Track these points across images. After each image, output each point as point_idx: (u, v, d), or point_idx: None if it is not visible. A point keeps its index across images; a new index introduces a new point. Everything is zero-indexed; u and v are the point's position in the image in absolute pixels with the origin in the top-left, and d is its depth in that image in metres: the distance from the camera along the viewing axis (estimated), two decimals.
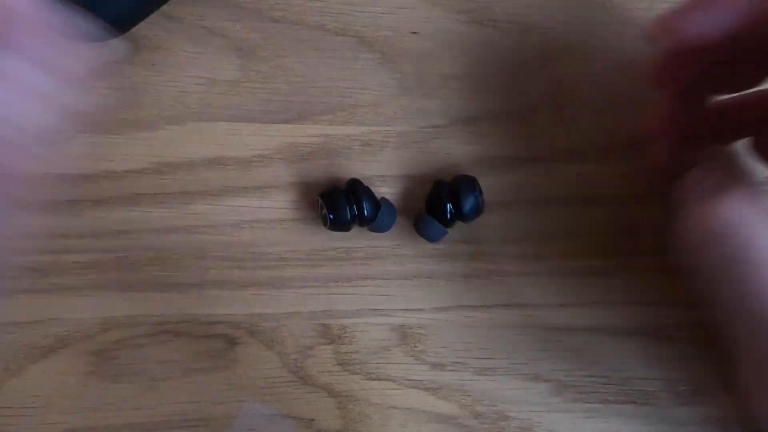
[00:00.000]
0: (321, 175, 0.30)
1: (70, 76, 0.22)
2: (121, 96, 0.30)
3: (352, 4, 0.31)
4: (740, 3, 0.23)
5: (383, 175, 0.30)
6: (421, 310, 0.30)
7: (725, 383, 0.31)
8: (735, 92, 0.27)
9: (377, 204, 0.29)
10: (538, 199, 0.31)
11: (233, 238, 0.30)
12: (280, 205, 0.30)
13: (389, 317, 0.30)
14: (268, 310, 0.30)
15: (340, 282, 0.30)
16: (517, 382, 0.30)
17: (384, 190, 0.30)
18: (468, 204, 0.29)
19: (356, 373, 0.30)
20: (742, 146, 0.28)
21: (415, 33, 0.31)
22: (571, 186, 0.31)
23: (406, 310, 0.30)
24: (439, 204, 0.29)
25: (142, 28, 0.30)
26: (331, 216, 0.28)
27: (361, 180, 0.29)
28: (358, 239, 0.30)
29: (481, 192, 0.29)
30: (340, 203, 0.28)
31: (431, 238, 0.30)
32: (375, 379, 0.30)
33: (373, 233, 0.30)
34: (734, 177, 0.25)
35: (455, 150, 0.31)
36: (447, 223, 0.29)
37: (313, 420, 0.30)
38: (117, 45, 0.30)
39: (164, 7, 0.30)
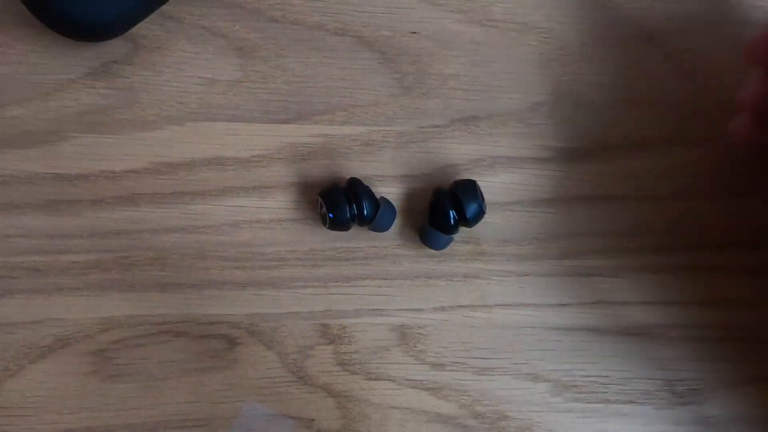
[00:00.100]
0: (320, 175, 0.30)
1: None
2: (121, 96, 0.30)
3: (351, 4, 0.31)
4: None
5: (383, 174, 0.30)
6: (421, 310, 0.30)
7: (725, 383, 0.31)
8: None
9: (377, 203, 0.29)
10: (538, 199, 0.31)
11: (233, 238, 0.30)
12: (279, 204, 0.30)
13: (389, 317, 0.30)
14: (268, 310, 0.30)
15: (339, 282, 0.30)
16: (517, 382, 0.30)
17: (383, 190, 0.30)
18: (471, 210, 0.29)
19: (356, 373, 0.30)
20: None
21: (414, 33, 0.31)
22: (571, 186, 0.31)
23: (406, 310, 0.30)
24: (441, 213, 0.29)
25: (142, 28, 0.30)
26: (331, 215, 0.28)
27: (361, 180, 0.29)
28: (357, 239, 0.30)
29: (482, 195, 0.29)
30: (339, 202, 0.28)
31: (438, 248, 0.30)
32: (375, 379, 0.30)
33: (372, 233, 0.30)
34: None
35: (455, 150, 0.31)
36: (451, 231, 0.29)
37: (313, 420, 0.30)
38: (117, 45, 0.30)
39: (164, 7, 0.30)
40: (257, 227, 0.30)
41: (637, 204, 0.31)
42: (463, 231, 0.30)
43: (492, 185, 0.31)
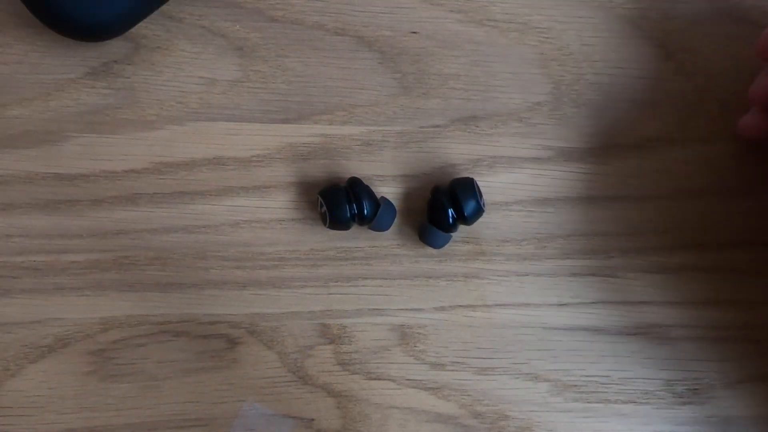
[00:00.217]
0: (320, 174, 0.30)
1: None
2: (121, 96, 0.30)
3: (351, 4, 0.31)
4: None
5: (383, 174, 0.30)
6: (420, 310, 0.30)
7: (725, 383, 0.31)
8: None
9: (377, 203, 0.29)
10: (538, 199, 0.31)
11: (233, 238, 0.30)
12: (279, 204, 0.30)
13: (389, 317, 0.30)
14: (268, 310, 0.30)
15: (340, 282, 0.30)
16: (517, 382, 0.30)
17: (383, 190, 0.30)
18: (469, 208, 0.29)
19: (356, 373, 0.30)
20: None
21: (414, 33, 0.31)
22: (571, 186, 0.31)
23: (406, 310, 0.30)
24: (440, 211, 0.29)
25: (142, 28, 0.30)
26: (331, 214, 0.28)
27: (361, 179, 0.29)
28: (357, 239, 0.30)
29: (480, 193, 0.29)
30: (339, 201, 0.28)
31: (437, 246, 0.30)
32: (375, 379, 0.30)
33: (372, 233, 0.30)
34: None
35: (455, 150, 0.31)
36: (450, 229, 0.29)
37: (313, 420, 0.30)
38: (117, 45, 0.30)
39: (164, 7, 0.30)
40: (257, 227, 0.30)
41: (637, 204, 0.31)
42: (463, 231, 0.30)
43: (492, 185, 0.31)
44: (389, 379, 0.30)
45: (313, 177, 0.30)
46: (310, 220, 0.30)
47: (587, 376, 0.31)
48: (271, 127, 0.30)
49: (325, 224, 0.29)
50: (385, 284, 0.30)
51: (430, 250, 0.30)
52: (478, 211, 0.29)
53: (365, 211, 0.29)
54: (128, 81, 0.30)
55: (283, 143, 0.30)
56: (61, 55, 0.30)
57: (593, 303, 0.31)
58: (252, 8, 0.30)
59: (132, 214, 0.30)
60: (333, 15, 0.31)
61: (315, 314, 0.30)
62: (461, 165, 0.31)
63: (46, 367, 0.29)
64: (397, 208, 0.30)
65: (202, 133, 0.30)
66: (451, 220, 0.29)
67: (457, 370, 0.30)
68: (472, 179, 0.29)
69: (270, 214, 0.30)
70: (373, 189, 0.30)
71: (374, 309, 0.30)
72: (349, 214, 0.28)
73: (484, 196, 0.30)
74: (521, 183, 0.31)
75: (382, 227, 0.29)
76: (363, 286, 0.30)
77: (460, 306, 0.30)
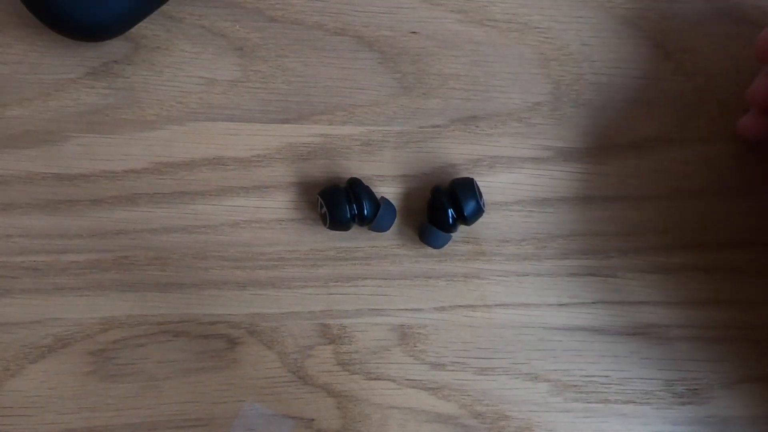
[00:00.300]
0: (320, 174, 0.30)
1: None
2: (121, 96, 0.30)
3: (351, 4, 0.31)
4: None
5: (383, 174, 0.30)
6: (420, 310, 0.30)
7: (725, 383, 0.31)
8: None
9: (377, 203, 0.29)
10: (538, 199, 0.31)
11: (233, 238, 0.30)
12: (279, 204, 0.30)
13: (389, 317, 0.30)
14: (268, 310, 0.30)
15: (340, 282, 0.30)
16: (517, 382, 0.30)
17: (383, 190, 0.30)
18: (469, 208, 0.29)
19: (356, 373, 0.30)
20: None
21: (414, 33, 0.31)
22: (571, 186, 0.31)
23: (406, 310, 0.30)
24: (440, 211, 0.29)
25: (142, 28, 0.30)
26: (331, 215, 0.28)
27: (361, 180, 0.29)
28: (357, 239, 0.30)
29: (480, 194, 0.29)
30: (339, 202, 0.28)
31: (437, 246, 0.30)
32: (375, 379, 0.30)
33: (372, 233, 0.30)
34: None
35: (454, 150, 0.31)
36: (450, 229, 0.29)
37: (313, 420, 0.30)
38: (117, 45, 0.30)
39: (164, 7, 0.30)
40: (257, 227, 0.30)
41: (637, 204, 0.31)
42: (463, 231, 0.30)
43: (491, 185, 0.31)
44: (389, 379, 0.30)
45: (313, 177, 0.30)
46: (310, 220, 0.30)
47: (587, 376, 0.31)
48: (271, 127, 0.30)
49: (325, 225, 0.29)
50: (385, 284, 0.30)
51: (430, 250, 0.30)
52: (478, 211, 0.29)
53: (365, 212, 0.29)
54: (128, 81, 0.30)
55: (283, 143, 0.30)
56: (61, 55, 0.30)
57: (593, 303, 0.31)
58: (252, 8, 0.30)
59: (132, 214, 0.30)
60: (333, 15, 0.31)
61: (315, 314, 0.30)
62: (461, 165, 0.31)
63: (46, 367, 0.29)
64: (397, 208, 0.30)
65: (202, 133, 0.30)
66: (451, 220, 0.29)
67: (457, 370, 0.30)
68: (472, 179, 0.29)
69: (270, 214, 0.30)
70: (373, 189, 0.30)
71: (374, 309, 0.30)
72: (349, 215, 0.29)
73: (484, 196, 0.30)
74: (521, 183, 0.31)
75: (382, 227, 0.29)
76: (363, 286, 0.30)
77: (460, 306, 0.30)
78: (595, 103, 0.31)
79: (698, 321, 0.31)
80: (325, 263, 0.30)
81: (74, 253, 0.29)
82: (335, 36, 0.31)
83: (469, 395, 0.30)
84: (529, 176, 0.31)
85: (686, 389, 0.31)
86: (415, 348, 0.30)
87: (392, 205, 0.30)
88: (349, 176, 0.30)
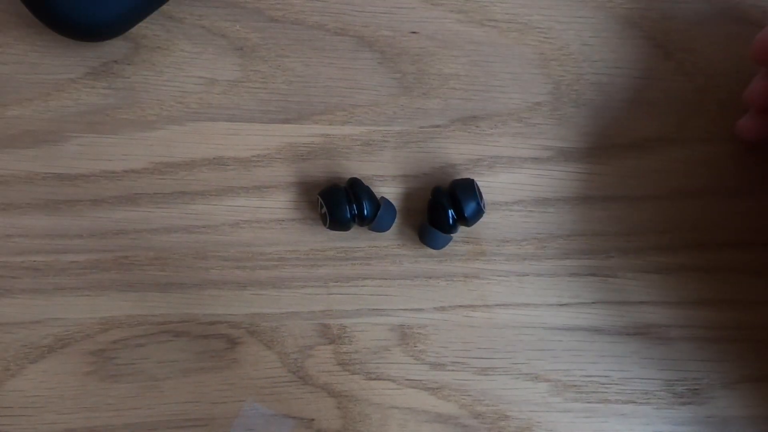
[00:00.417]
0: (321, 174, 0.30)
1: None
2: (121, 96, 0.30)
3: (351, 4, 0.31)
4: None
5: (383, 174, 0.30)
6: (420, 310, 0.30)
7: (725, 383, 0.31)
8: None
9: (377, 203, 0.29)
10: (538, 199, 0.31)
11: (233, 238, 0.30)
12: (279, 204, 0.30)
13: (389, 317, 0.30)
14: (268, 310, 0.30)
15: (340, 282, 0.30)
16: (517, 382, 0.30)
17: (384, 190, 0.30)
18: (469, 209, 0.29)
19: (356, 373, 0.30)
20: None
21: (414, 33, 0.31)
22: (571, 186, 0.31)
23: (406, 310, 0.30)
24: (440, 212, 0.29)
25: (142, 28, 0.30)
26: (331, 215, 0.28)
27: (361, 180, 0.29)
28: (357, 239, 0.30)
29: (481, 195, 0.29)
30: (339, 202, 0.28)
31: (437, 247, 0.30)
32: (375, 379, 0.30)
33: (372, 233, 0.30)
34: None
35: (455, 150, 0.31)
36: (450, 230, 0.29)
37: (313, 420, 0.30)
38: (117, 45, 0.30)
39: (164, 7, 0.30)
40: (257, 227, 0.30)
41: (637, 204, 0.31)
42: (463, 231, 0.30)
43: (492, 185, 0.31)
44: (389, 379, 0.30)
45: (313, 177, 0.30)
46: (310, 220, 0.30)
47: (587, 376, 0.31)
48: (271, 127, 0.30)
49: (325, 225, 0.29)
50: (385, 284, 0.30)
51: (430, 250, 0.30)
52: (479, 212, 0.29)
53: (365, 212, 0.29)
54: (128, 81, 0.30)
55: (283, 143, 0.30)
56: (61, 55, 0.30)
57: (593, 303, 0.31)
58: (252, 8, 0.30)
59: (132, 214, 0.30)
60: (333, 15, 0.31)
61: (315, 314, 0.30)
62: (461, 165, 0.31)
63: (46, 367, 0.29)
64: (397, 209, 0.30)
65: (202, 133, 0.30)
66: (451, 221, 0.29)
67: (457, 370, 0.30)
68: (472, 180, 0.29)
69: (270, 214, 0.30)
70: (373, 189, 0.30)
71: (374, 309, 0.30)
72: (349, 215, 0.29)
73: (485, 197, 0.30)
74: (521, 183, 0.31)
75: (382, 228, 0.29)
76: (363, 286, 0.30)
77: (460, 306, 0.30)
78: (596, 103, 0.31)
79: (698, 321, 0.31)
80: (325, 263, 0.30)
81: (74, 253, 0.29)
82: (335, 36, 0.31)
83: (469, 395, 0.30)
84: (530, 176, 0.31)
85: (686, 389, 0.31)
86: (415, 348, 0.30)
87: (392, 205, 0.30)
88: (349, 176, 0.30)
